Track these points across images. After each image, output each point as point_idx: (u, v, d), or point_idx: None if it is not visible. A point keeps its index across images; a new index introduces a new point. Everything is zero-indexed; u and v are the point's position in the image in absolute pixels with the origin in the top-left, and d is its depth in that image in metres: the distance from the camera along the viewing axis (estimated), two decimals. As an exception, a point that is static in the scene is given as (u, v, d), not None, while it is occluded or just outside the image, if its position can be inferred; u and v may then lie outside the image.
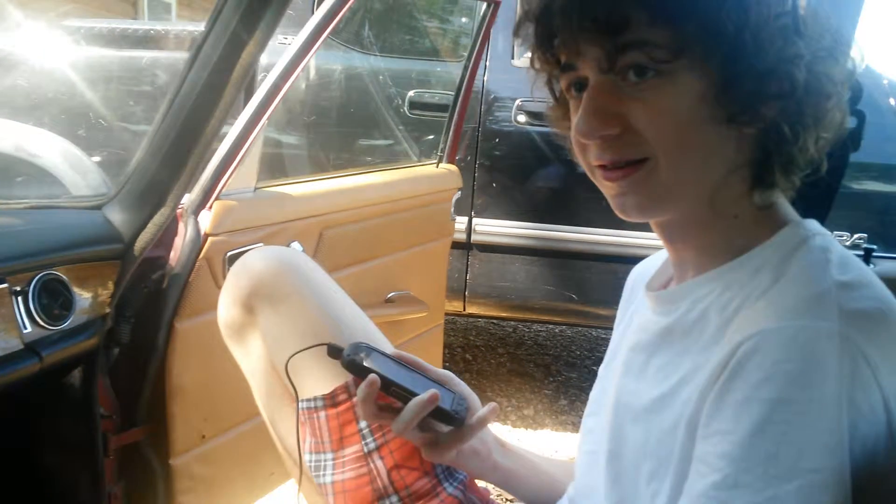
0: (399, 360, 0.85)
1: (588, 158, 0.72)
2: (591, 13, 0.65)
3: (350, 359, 0.81)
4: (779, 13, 0.65)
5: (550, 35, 0.70)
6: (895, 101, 2.57)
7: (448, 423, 0.82)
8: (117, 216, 1.26)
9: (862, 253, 1.65)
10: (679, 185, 0.69)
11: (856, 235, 2.45)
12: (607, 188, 0.72)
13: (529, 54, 0.76)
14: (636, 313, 0.86)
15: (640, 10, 0.64)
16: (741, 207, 0.71)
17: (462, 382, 0.91)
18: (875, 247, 1.72)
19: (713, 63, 0.65)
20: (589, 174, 0.75)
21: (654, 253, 0.91)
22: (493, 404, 0.84)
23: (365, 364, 0.80)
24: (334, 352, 0.83)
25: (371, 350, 0.83)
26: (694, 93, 0.65)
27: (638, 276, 0.93)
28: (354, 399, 0.98)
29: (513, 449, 0.99)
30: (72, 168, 2.40)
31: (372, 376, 0.79)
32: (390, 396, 0.80)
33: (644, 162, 0.68)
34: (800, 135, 0.67)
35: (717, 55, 0.64)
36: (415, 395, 0.79)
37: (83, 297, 1.18)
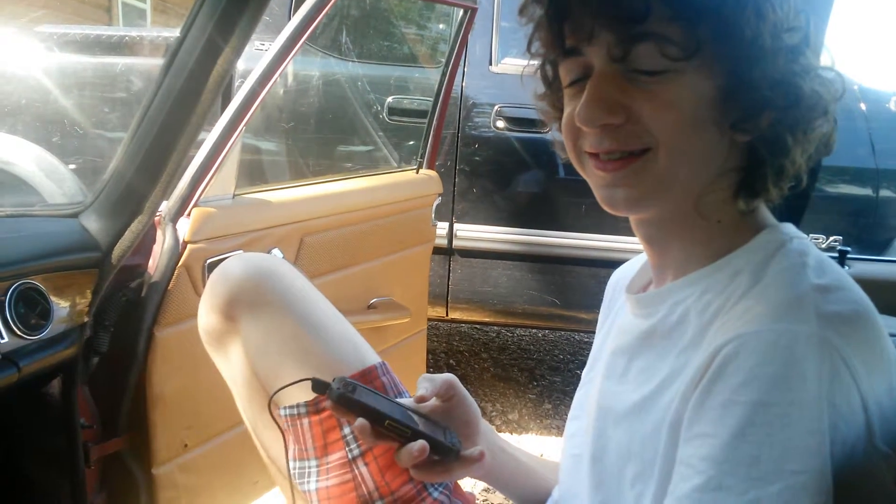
0: (385, 395, 0.84)
1: (581, 145, 0.71)
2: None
3: (339, 393, 0.78)
4: (794, 26, 0.66)
5: (562, 16, 0.69)
6: (865, 106, 2.62)
7: (441, 454, 0.81)
8: (94, 224, 1.25)
9: (837, 255, 1.67)
10: (672, 180, 0.68)
11: (831, 238, 2.49)
12: (597, 178, 0.71)
13: (525, 47, 0.75)
14: (617, 317, 0.87)
15: (662, 4, 0.63)
16: (724, 213, 0.71)
17: (462, 388, 0.89)
18: (849, 249, 1.75)
19: (724, 67, 0.65)
20: (575, 162, 0.74)
21: (634, 256, 0.92)
22: (478, 448, 0.83)
23: (354, 397, 0.77)
24: (319, 387, 0.80)
25: (356, 384, 0.80)
26: (701, 93, 0.66)
27: (618, 280, 0.93)
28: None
29: (509, 453, 0.98)
30: (47, 176, 2.37)
31: (360, 422, 0.76)
32: (385, 430, 0.78)
33: (644, 153, 0.67)
34: (791, 147, 0.67)
35: (730, 59, 0.65)
36: (408, 426, 0.78)
37: (61, 306, 1.17)
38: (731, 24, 0.63)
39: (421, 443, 0.77)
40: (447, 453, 0.80)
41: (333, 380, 0.80)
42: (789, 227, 0.71)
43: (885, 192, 2.62)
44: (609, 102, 0.66)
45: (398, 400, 0.84)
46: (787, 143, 0.67)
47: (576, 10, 0.67)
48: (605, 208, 0.71)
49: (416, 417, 0.82)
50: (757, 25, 0.63)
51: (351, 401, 0.77)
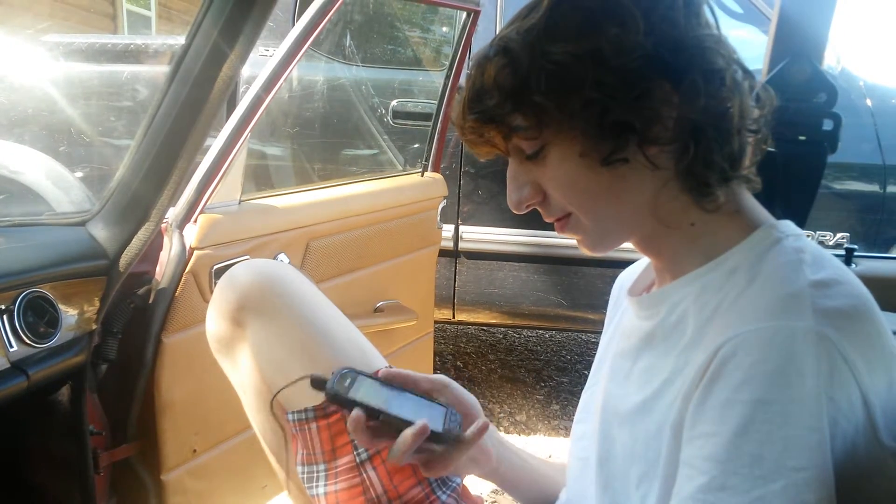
0: (386, 381, 0.84)
1: None
2: (475, 108, 0.71)
3: (334, 392, 0.78)
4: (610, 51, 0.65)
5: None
6: (871, 102, 2.61)
7: (442, 443, 0.80)
8: (101, 232, 1.25)
9: (844, 253, 1.66)
10: (607, 227, 0.74)
11: (838, 235, 2.48)
12: None
13: None
14: (622, 319, 0.87)
15: (505, 101, 0.69)
16: (694, 215, 0.71)
17: (458, 386, 0.89)
18: (856, 246, 1.73)
19: (574, 121, 0.67)
20: None
21: (638, 257, 0.92)
22: (482, 421, 0.82)
23: (349, 396, 0.77)
24: (318, 384, 0.80)
25: (356, 375, 0.80)
26: (573, 152, 0.69)
27: (623, 283, 0.94)
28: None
29: (515, 452, 0.98)
30: (54, 184, 2.39)
31: (356, 413, 0.76)
32: (382, 424, 0.78)
33: (569, 216, 0.74)
34: (691, 141, 0.67)
35: (573, 114, 0.67)
36: (404, 420, 0.77)
37: (69, 313, 1.17)
38: (554, 95, 0.66)
39: (409, 431, 0.76)
40: (445, 439, 0.79)
41: (333, 372, 0.80)
42: (787, 225, 0.71)
43: (892, 189, 2.60)
44: (520, 183, 0.74)
45: (400, 391, 0.83)
46: (692, 146, 0.66)
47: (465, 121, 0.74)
48: None
49: (415, 406, 0.81)
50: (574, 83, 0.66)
51: (344, 399, 0.77)
